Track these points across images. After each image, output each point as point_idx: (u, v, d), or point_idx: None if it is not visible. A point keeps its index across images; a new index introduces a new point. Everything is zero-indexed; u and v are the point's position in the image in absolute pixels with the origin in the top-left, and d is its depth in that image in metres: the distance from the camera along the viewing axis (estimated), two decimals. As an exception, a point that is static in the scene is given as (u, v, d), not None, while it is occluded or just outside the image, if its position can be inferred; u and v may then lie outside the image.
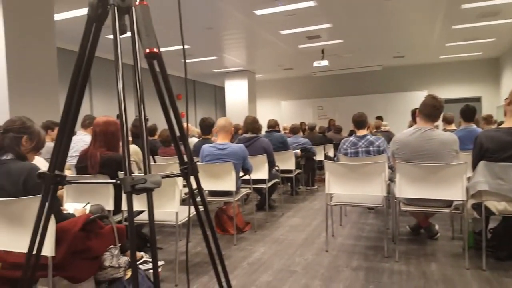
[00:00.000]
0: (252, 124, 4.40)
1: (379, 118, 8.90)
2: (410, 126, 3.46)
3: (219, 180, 3.42)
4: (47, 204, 1.33)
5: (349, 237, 3.57)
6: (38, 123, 2.18)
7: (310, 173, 6.23)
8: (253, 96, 12.77)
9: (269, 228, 3.98)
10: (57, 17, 5.52)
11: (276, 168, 4.65)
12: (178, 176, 1.30)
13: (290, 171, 5.10)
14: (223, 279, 1.47)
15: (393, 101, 12.67)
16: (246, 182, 3.89)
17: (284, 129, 8.27)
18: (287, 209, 4.88)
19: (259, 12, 6.53)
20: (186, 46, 8.74)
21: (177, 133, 1.34)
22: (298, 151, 5.66)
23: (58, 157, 1.31)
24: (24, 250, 1.36)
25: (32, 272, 1.43)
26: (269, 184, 4.24)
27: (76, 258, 1.88)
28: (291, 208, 4.94)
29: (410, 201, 2.91)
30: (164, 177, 1.04)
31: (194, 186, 1.33)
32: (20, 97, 4.66)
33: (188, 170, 1.28)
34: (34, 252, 1.40)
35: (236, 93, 12.47)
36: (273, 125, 5.48)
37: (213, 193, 3.59)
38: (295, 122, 7.79)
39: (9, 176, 1.89)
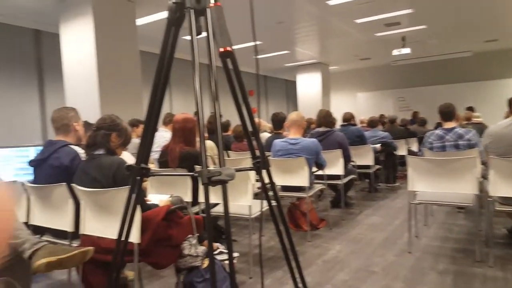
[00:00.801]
0: (325, 118, 4.31)
1: (470, 109, 8.10)
2: (507, 117, 3.10)
3: (291, 175, 3.42)
4: (134, 194, 1.45)
5: (435, 238, 3.33)
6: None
7: (391, 169, 5.90)
8: (326, 89, 12.51)
9: (345, 226, 3.88)
10: (139, 22, 5.95)
11: (352, 163, 4.50)
12: (250, 169, 1.33)
13: (368, 166, 4.89)
14: (297, 275, 1.47)
15: (486, 90, 11.48)
16: (320, 177, 3.83)
17: (361, 122, 7.97)
18: (365, 207, 4.69)
19: (331, 2, 6.35)
20: (257, 42, 8.86)
21: (249, 128, 1.37)
22: (378, 145, 5.39)
23: (143, 152, 1.42)
24: (114, 236, 1.50)
25: (121, 256, 1.58)
26: (345, 180, 4.13)
27: (159, 245, 2.02)
28: (369, 206, 4.74)
29: (506, 201, 2.62)
30: (237, 170, 1.08)
31: (267, 180, 1.35)
32: (109, 97, 5.14)
33: (260, 164, 1.30)
34: (123, 238, 1.54)
35: (308, 86, 12.32)
36: (348, 118, 5.31)
37: (285, 188, 3.59)
38: (371, 114, 7.44)
39: (101, 169, 2.09)
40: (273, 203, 1.40)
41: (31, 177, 2.43)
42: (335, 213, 4.38)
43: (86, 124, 2.87)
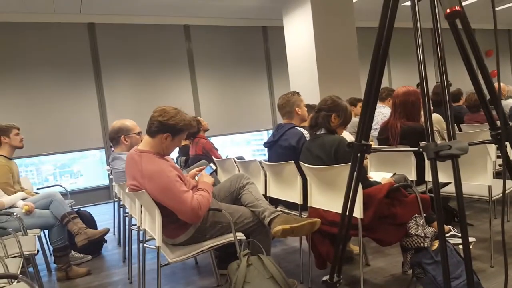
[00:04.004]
0: None
1: None
2: None
3: (549, 150, 2.72)
4: (356, 170, 1.50)
5: None
6: (343, 101, 2.45)
7: None
8: None
9: None
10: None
11: None
12: (488, 143, 1.14)
13: None
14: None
15: None
16: None
17: None
18: None
19: None
20: (495, -8, 7.31)
21: (487, 96, 1.17)
22: None
23: (364, 128, 1.44)
24: (338, 210, 1.59)
25: (346, 230, 1.67)
26: None
27: (383, 222, 2.01)
28: None
29: None
30: (471, 144, 0.95)
31: (512, 156, 1.14)
32: (327, 78, 5.37)
33: (502, 136, 1.10)
34: (347, 213, 1.62)
35: None
36: None
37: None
38: None
39: (323, 147, 2.24)
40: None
41: (266, 157, 2.85)
42: None
43: (308, 107, 3.13)
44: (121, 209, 3.35)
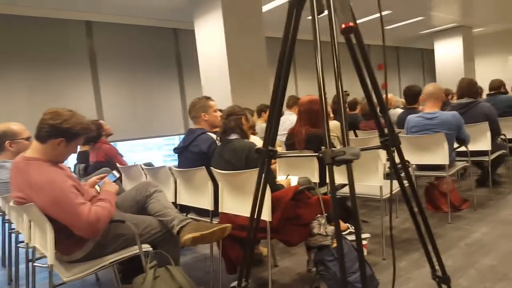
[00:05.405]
0: (468, 88, 3.79)
1: None
2: None
3: (428, 153, 3.12)
4: (263, 174, 1.53)
5: None
6: (253, 107, 2.52)
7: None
8: (470, 55, 10.91)
9: (493, 206, 3.41)
10: (265, 8, 6.10)
11: (502, 137, 3.89)
12: (377, 148, 1.26)
13: (523, 140, 4.17)
14: (434, 258, 1.36)
15: None
16: (463, 154, 3.41)
17: (514, 89, 6.77)
18: (519, 185, 4.04)
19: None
20: (386, 12, 8.20)
21: (377, 105, 1.29)
22: None
23: (270, 135, 1.48)
24: (249, 214, 1.61)
25: (254, 233, 1.69)
26: (493, 156, 3.60)
27: (289, 224, 2.10)
28: (525, 184, 4.07)
29: None
30: (363, 149, 1.03)
31: (397, 159, 1.26)
32: (239, 84, 5.45)
33: (389, 142, 1.22)
34: (255, 216, 1.64)
35: (448, 54, 10.91)
36: (497, 86, 4.57)
37: (422, 167, 3.31)
38: (530, 79, 6.24)
39: (234, 152, 2.27)
40: (406, 183, 1.30)
41: (176, 163, 2.77)
42: (481, 193, 3.86)
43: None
44: (6, 224, 2.96)
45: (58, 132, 1.75)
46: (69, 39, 6.12)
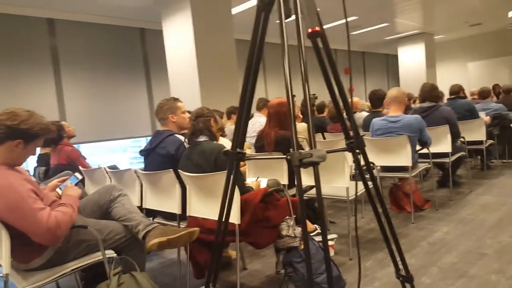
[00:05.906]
0: (430, 92, 3.95)
1: None
2: None
3: (392, 155, 3.22)
4: (232, 177, 1.52)
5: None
6: (222, 109, 2.50)
7: (506, 144, 5.23)
8: (431, 61, 11.41)
9: (453, 206, 3.55)
10: (234, 10, 6.09)
11: (462, 140, 4.07)
12: (343, 150, 1.28)
13: (479, 142, 4.38)
14: (398, 258, 1.40)
15: None
16: (425, 156, 3.54)
17: (472, 94, 7.13)
18: (476, 186, 4.24)
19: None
20: (353, 18, 8.41)
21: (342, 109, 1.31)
22: (486, 117, 4.81)
23: (238, 137, 1.47)
24: (216, 217, 1.60)
25: (222, 236, 1.67)
26: (453, 158, 3.76)
27: (258, 226, 2.09)
28: (481, 184, 4.27)
29: None
30: (329, 151, 1.05)
31: (362, 161, 1.29)
32: (208, 86, 5.41)
33: (354, 145, 1.25)
34: (224, 219, 1.63)
35: (411, 59, 11.36)
36: (456, 91, 4.78)
37: (386, 169, 3.41)
38: (485, 85, 6.59)
39: (203, 155, 2.24)
40: (370, 184, 1.33)
41: (143, 165, 2.71)
42: (442, 193, 4.03)
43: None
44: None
45: (15, 134, 1.67)
46: (30, 37, 5.86)
